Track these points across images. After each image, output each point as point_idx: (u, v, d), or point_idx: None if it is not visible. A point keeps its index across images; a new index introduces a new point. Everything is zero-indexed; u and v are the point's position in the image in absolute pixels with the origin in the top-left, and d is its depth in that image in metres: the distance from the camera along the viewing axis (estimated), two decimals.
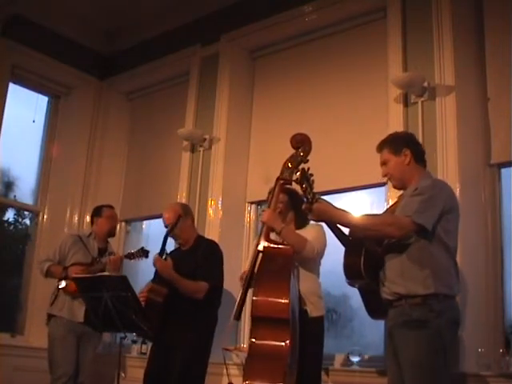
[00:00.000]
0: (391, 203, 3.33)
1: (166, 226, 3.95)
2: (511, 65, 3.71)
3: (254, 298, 2.83)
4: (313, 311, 3.30)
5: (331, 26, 4.71)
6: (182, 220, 3.91)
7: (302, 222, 3.42)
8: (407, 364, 2.65)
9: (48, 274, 4.42)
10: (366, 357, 3.92)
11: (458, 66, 3.81)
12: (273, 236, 3.24)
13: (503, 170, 3.77)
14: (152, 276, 4.09)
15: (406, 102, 3.97)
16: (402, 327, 2.69)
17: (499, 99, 3.76)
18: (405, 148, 2.92)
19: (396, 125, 3.92)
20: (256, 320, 2.83)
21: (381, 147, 3.00)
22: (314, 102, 4.68)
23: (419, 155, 2.95)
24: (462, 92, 3.79)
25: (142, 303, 3.71)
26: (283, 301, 2.78)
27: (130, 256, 4.38)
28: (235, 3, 5.17)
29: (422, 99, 3.87)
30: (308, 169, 2.79)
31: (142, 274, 5.00)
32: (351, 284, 3.04)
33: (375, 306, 2.98)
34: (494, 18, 3.89)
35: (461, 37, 3.88)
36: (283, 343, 2.75)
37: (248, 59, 5.26)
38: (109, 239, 4.73)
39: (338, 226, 3.04)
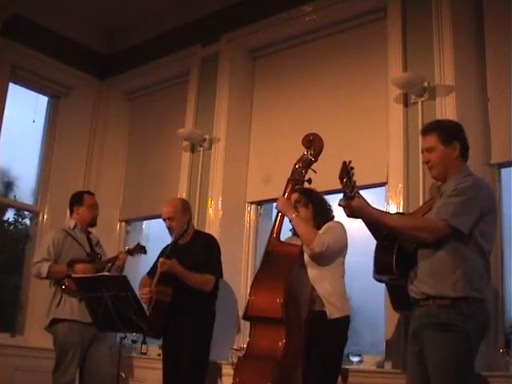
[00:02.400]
0: (429, 199, 3.23)
1: (164, 220, 4.07)
2: (511, 65, 3.71)
3: (249, 297, 2.83)
4: (333, 313, 3.22)
5: (331, 26, 4.71)
6: (182, 217, 4.01)
7: (320, 221, 3.38)
8: (434, 366, 2.60)
9: (50, 274, 4.19)
10: (366, 357, 3.92)
11: (458, 66, 3.81)
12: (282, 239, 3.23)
13: (503, 170, 3.77)
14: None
15: (406, 102, 3.97)
16: (429, 329, 2.64)
17: (499, 99, 3.76)
18: (455, 141, 2.81)
19: (396, 125, 3.93)
20: (252, 320, 2.83)
21: (429, 131, 2.86)
22: (314, 102, 4.68)
23: (465, 150, 2.86)
24: (462, 92, 3.78)
25: (146, 301, 3.81)
26: (277, 300, 2.77)
27: (132, 252, 4.29)
28: (235, 3, 5.16)
29: (422, 99, 3.87)
30: (350, 162, 2.62)
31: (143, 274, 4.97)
32: (378, 279, 2.97)
33: (401, 301, 2.92)
34: (494, 18, 3.89)
35: (461, 37, 3.88)
36: (277, 343, 2.74)
37: (248, 59, 5.25)
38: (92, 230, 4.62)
39: None
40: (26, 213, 5.86)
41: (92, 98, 6.04)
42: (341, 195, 2.70)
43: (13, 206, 5.81)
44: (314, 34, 4.83)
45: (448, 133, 2.84)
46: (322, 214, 3.43)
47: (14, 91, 5.61)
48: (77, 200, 4.51)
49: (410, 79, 3.83)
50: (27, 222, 5.87)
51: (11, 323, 5.49)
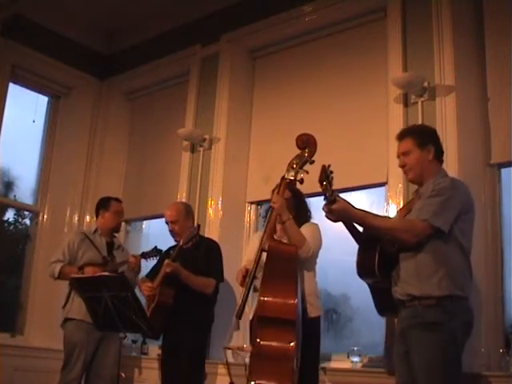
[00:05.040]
0: (408, 201, 3.26)
1: (166, 223, 4.11)
2: (511, 65, 3.71)
3: (261, 298, 2.81)
4: (312, 311, 3.30)
5: (331, 25, 4.71)
6: (185, 220, 4.09)
7: (300, 222, 3.42)
8: (421, 366, 2.62)
9: (61, 275, 4.24)
10: (366, 357, 3.92)
11: (458, 66, 3.81)
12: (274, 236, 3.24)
13: (503, 170, 3.77)
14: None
15: (406, 102, 3.97)
16: (416, 329, 2.66)
17: (499, 99, 3.76)
18: (430, 143, 2.88)
19: (396, 125, 3.91)
20: (262, 320, 2.81)
21: (404, 136, 2.93)
22: (314, 102, 4.68)
23: (440, 153, 2.93)
24: (462, 92, 3.78)
25: (148, 296, 3.91)
26: (291, 302, 2.78)
27: (146, 256, 4.25)
28: (235, 3, 5.16)
29: (422, 99, 3.87)
30: (329, 166, 2.66)
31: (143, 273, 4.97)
32: (363, 280, 3.00)
33: (385, 304, 2.94)
34: (494, 18, 3.89)
35: (461, 37, 3.88)
36: (289, 344, 2.74)
37: (248, 59, 5.25)
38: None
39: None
40: (26, 213, 5.86)
41: (92, 98, 6.04)
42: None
43: (13, 206, 5.81)
44: (314, 34, 4.82)
45: (422, 136, 2.92)
46: (303, 216, 3.49)
47: (14, 91, 5.60)
48: (103, 205, 4.54)
49: (410, 79, 3.83)
50: (27, 221, 5.87)
51: (11, 323, 5.48)
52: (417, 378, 2.63)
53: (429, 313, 2.63)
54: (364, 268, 2.88)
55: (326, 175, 2.61)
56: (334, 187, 2.62)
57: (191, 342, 3.86)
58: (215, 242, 4.25)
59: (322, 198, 2.67)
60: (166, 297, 3.85)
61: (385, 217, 3.29)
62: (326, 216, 2.76)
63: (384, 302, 2.95)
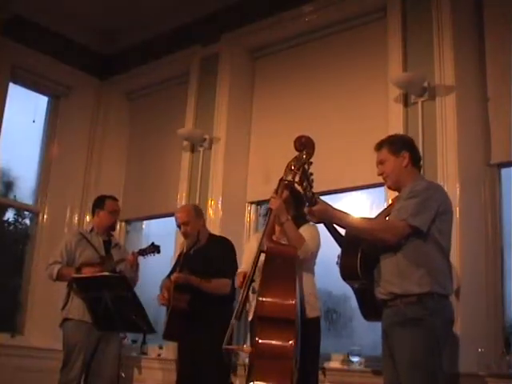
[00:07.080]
0: (387, 205, 3.34)
1: (178, 226, 4.12)
2: (511, 65, 3.71)
3: (260, 298, 2.82)
4: (310, 312, 3.31)
5: (331, 26, 4.71)
6: (196, 221, 4.08)
7: (298, 223, 3.42)
8: (402, 363, 2.66)
9: (59, 277, 4.24)
10: (366, 357, 3.92)
11: (458, 66, 3.81)
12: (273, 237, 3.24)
13: (503, 170, 3.77)
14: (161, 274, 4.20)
15: (406, 102, 3.97)
16: (397, 326, 2.71)
17: (499, 99, 3.76)
18: (404, 150, 2.95)
19: (396, 125, 3.93)
20: (261, 320, 2.82)
21: (380, 146, 3.03)
22: (314, 102, 4.68)
23: (416, 159, 2.99)
24: (462, 92, 3.79)
25: (164, 304, 3.89)
26: (290, 301, 2.79)
27: (143, 252, 4.24)
28: (235, 3, 5.17)
29: (422, 99, 3.87)
30: (308, 168, 2.78)
31: (150, 273, 4.92)
32: (349, 284, 3.05)
33: (370, 308, 2.98)
34: (494, 17, 3.89)
35: (461, 37, 3.89)
36: (288, 343, 2.75)
37: (248, 59, 5.26)
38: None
39: (335, 226, 3.05)
40: (26, 213, 5.86)
41: (92, 98, 6.04)
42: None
43: (13, 206, 5.81)
44: (314, 34, 4.83)
45: (396, 144, 2.99)
46: (302, 217, 3.48)
47: (14, 91, 5.60)
48: (99, 204, 4.54)
49: (409, 79, 3.84)
50: (27, 221, 5.87)
51: (11, 323, 5.49)
52: (399, 374, 2.67)
53: (410, 309, 2.68)
54: (347, 270, 2.92)
55: (305, 176, 2.73)
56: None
57: (209, 343, 3.75)
58: (227, 240, 4.16)
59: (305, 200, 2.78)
60: (180, 301, 3.81)
61: (366, 218, 3.33)
62: (308, 218, 2.83)
63: (368, 305, 2.99)
